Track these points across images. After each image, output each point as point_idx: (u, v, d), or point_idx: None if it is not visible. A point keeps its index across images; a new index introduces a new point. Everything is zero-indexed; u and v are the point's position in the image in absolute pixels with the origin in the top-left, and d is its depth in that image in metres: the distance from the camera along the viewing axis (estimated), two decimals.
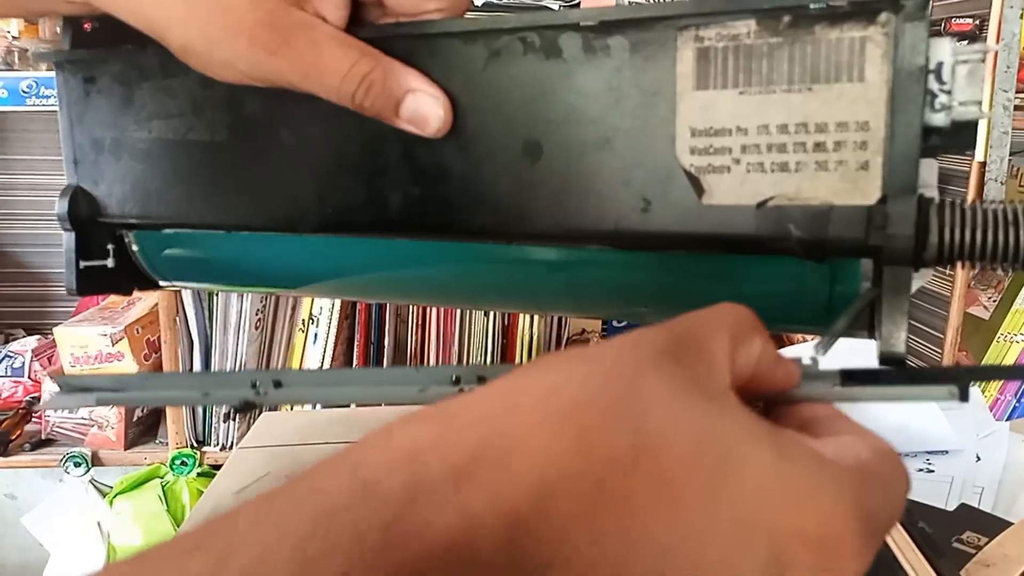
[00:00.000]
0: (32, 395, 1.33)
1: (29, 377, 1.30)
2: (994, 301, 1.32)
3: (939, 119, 0.24)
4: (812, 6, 0.24)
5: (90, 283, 0.40)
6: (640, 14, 0.26)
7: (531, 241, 0.33)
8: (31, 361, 1.32)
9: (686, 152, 0.27)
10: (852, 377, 0.24)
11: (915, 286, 0.26)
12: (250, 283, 0.44)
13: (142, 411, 1.31)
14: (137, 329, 1.24)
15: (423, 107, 0.30)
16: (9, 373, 1.32)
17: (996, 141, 1.19)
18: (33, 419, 1.31)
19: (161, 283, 0.43)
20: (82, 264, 0.39)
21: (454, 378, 0.29)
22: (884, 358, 0.25)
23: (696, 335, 0.21)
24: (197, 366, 1.18)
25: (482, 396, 0.18)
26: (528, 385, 0.18)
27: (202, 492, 1.18)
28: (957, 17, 1.21)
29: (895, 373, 0.24)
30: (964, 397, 0.23)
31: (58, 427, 1.27)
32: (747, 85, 0.25)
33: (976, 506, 0.60)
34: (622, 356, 0.19)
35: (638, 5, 0.26)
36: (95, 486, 1.26)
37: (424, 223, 0.32)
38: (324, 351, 1.24)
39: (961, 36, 1.21)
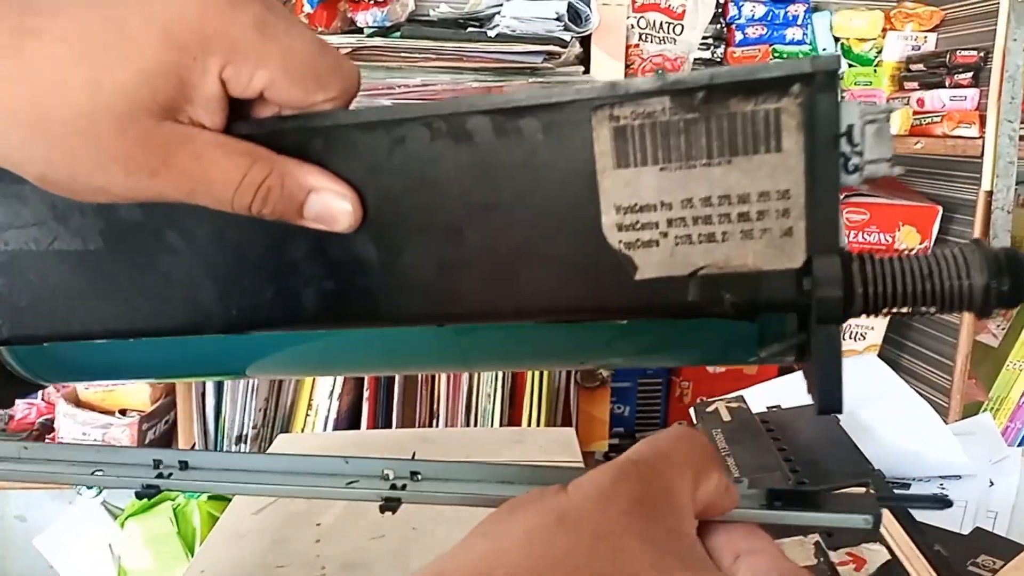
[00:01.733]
0: (45, 417, 1.34)
1: (42, 399, 1.31)
2: (1003, 329, 1.33)
3: (853, 179, 0.25)
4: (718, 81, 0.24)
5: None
6: (550, 98, 0.26)
7: (462, 322, 0.31)
8: None
9: (613, 229, 0.26)
10: (778, 498, 0.29)
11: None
12: (148, 375, 0.40)
13: (154, 433, 1.31)
14: None
15: (329, 206, 0.28)
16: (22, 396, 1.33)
17: (1003, 171, 1.21)
18: (45, 441, 1.32)
19: (44, 384, 0.39)
20: None
21: (384, 473, 0.32)
22: (822, 411, 0.26)
23: (664, 480, 0.24)
24: (210, 387, 1.18)
25: (462, 565, 0.21)
26: (510, 555, 0.21)
27: (213, 515, 1.19)
28: (962, 49, 1.23)
29: (817, 497, 0.29)
30: (876, 525, 0.27)
31: None
32: (667, 161, 0.25)
33: (990, 530, 0.60)
34: (604, 516, 0.22)
35: (548, 89, 0.26)
36: (106, 508, 1.27)
37: (343, 315, 0.30)
38: (333, 382, 1.24)
39: (966, 68, 1.23)
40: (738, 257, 0.26)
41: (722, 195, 0.25)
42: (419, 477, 0.33)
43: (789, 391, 0.83)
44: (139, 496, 0.34)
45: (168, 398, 1.28)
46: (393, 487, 0.32)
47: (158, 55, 0.25)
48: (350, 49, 1.08)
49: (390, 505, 0.33)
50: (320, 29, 1.11)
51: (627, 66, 1.16)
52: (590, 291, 0.27)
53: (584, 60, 1.14)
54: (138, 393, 1.25)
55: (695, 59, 1.24)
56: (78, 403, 1.25)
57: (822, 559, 0.51)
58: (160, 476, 0.33)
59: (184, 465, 0.33)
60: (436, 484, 0.33)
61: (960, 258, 0.25)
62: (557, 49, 1.10)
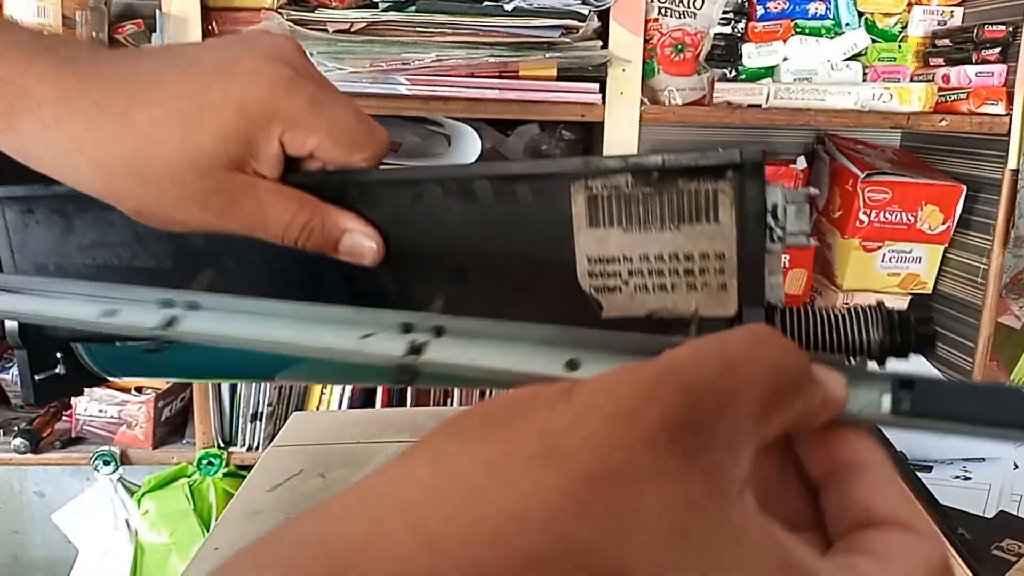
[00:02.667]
0: None
1: None
2: None
3: (776, 247, 0.30)
4: (667, 163, 0.30)
5: (45, 393, 0.42)
6: (540, 169, 0.32)
7: None
8: None
9: (585, 276, 0.32)
10: (911, 391, 0.22)
11: None
12: (197, 376, 0.45)
13: (170, 411, 1.32)
14: None
15: (359, 244, 0.35)
16: None
17: None
18: (63, 417, 1.33)
19: (109, 377, 0.45)
20: (36, 378, 0.41)
21: (405, 326, 0.28)
22: None
23: (721, 404, 0.17)
24: None
25: (374, 508, 0.15)
26: (448, 505, 0.14)
27: (228, 491, 1.19)
28: (989, 24, 1.19)
29: (974, 399, 0.22)
30: None
31: (88, 425, 1.29)
32: (628, 224, 0.31)
33: (1015, 513, 0.59)
34: (615, 444, 0.15)
35: (538, 162, 0.33)
36: (124, 484, 1.28)
37: None
38: None
39: (993, 43, 1.20)
40: (684, 304, 0.32)
41: (672, 253, 0.31)
42: (445, 333, 0.28)
43: None
44: (146, 350, 0.32)
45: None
46: (413, 347, 0.28)
47: (233, 123, 0.32)
48: (364, 23, 1.06)
49: (403, 374, 0.28)
50: (335, 4, 1.10)
51: (646, 40, 1.14)
52: (566, 323, 0.32)
53: (602, 34, 1.12)
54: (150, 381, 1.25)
55: (715, 33, 1.21)
56: None
57: None
58: (170, 323, 0.30)
59: (194, 306, 0.31)
60: (466, 346, 0.27)
61: (863, 316, 0.30)
62: (575, 23, 1.08)
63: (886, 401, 0.22)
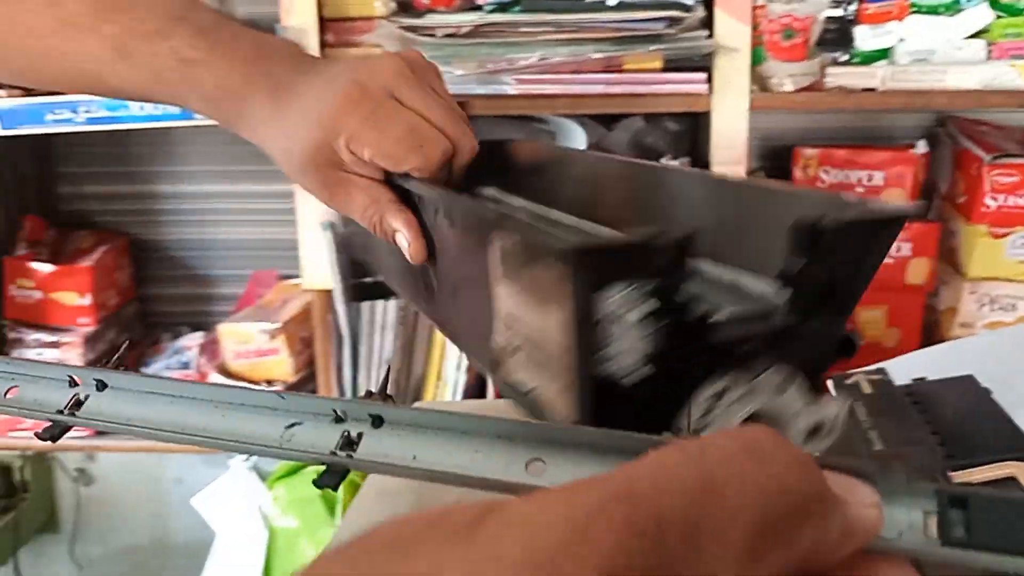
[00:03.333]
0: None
1: (196, 370, 1.41)
2: None
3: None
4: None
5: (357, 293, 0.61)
6: (472, 212, 0.39)
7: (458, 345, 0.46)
8: (198, 356, 1.43)
9: (500, 331, 0.32)
10: (964, 511, 0.17)
11: None
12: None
13: None
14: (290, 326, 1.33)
15: (400, 242, 0.45)
16: (178, 366, 1.44)
17: None
18: None
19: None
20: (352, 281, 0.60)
21: (337, 413, 0.24)
22: None
23: (687, 541, 0.13)
24: (347, 360, 1.24)
25: None
26: None
27: (354, 481, 1.25)
28: None
29: None
30: None
31: None
32: (521, 287, 0.30)
33: None
34: (566, 559, 0.12)
35: (474, 206, 0.41)
36: (256, 471, 1.36)
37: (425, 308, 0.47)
38: (460, 355, 1.28)
39: None
40: (545, 393, 0.29)
41: (534, 326, 0.29)
42: (383, 423, 0.24)
43: (934, 363, 0.79)
44: (41, 438, 0.28)
45: (308, 369, 1.35)
46: (346, 440, 0.23)
47: (316, 134, 0.44)
48: (471, 26, 1.09)
49: (331, 475, 0.23)
50: (442, 8, 1.13)
51: (754, 27, 1.13)
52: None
53: (709, 24, 1.11)
54: (282, 365, 1.32)
55: (826, 17, 1.18)
56: (228, 373, 1.34)
57: None
58: (76, 404, 0.28)
59: (102, 385, 0.28)
60: (408, 439, 0.23)
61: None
62: (680, 14, 1.08)
63: (932, 525, 0.17)
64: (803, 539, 0.15)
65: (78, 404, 0.28)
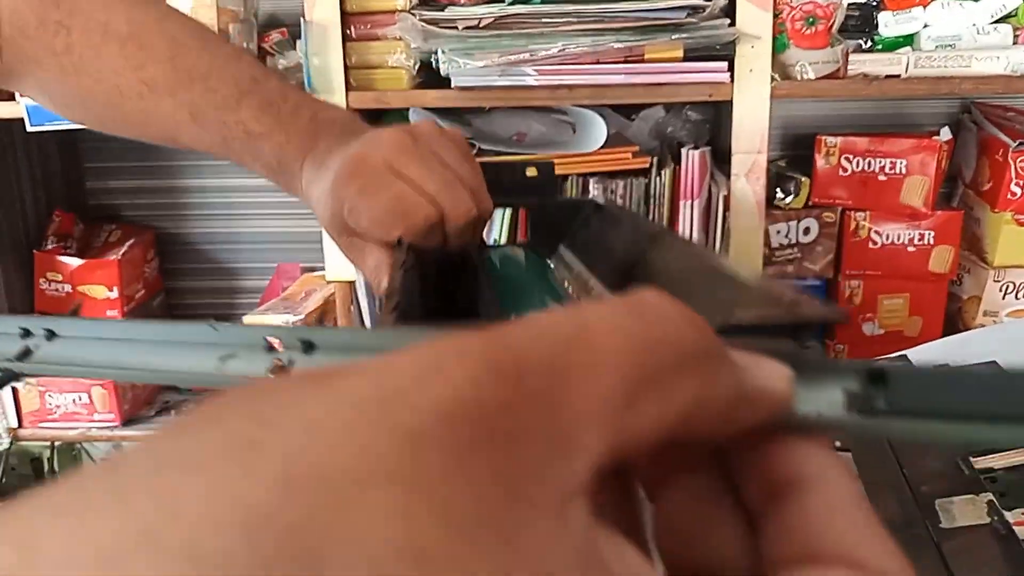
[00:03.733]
0: None
1: None
2: None
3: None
4: None
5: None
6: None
7: None
8: None
9: None
10: (884, 386, 0.16)
11: None
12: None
13: None
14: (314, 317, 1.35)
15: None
16: None
17: None
18: None
19: None
20: None
21: (269, 342, 0.23)
22: None
23: (550, 382, 0.12)
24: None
25: None
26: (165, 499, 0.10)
27: None
28: None
29: (968, 388, 0.16)
30: None
31: None
32: None
33: None
34: (345, 440, 0.11)
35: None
36: None
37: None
38: None
39: None
40: None
41: None
42: (314, 349, 0.23)
43: (957, 351, 0.78)
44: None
45: None
46: (278, 367, 0.24)
47: (331, 203, 0.48)
48: (492, 18, 1.10)
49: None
50: (463, 2, 1.14)
51: (775, 15, 1.12)
52: None
53: (730, 12, 1.11)
54: None
55: (849, 3, 1.17)
56: None
57: (996, 518, 0.49)
58: (25, 352, 0.28)
59: (51, 334, 0.28)
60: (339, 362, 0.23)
61: None
62: (701, 3, 1.07)
63: (853, 402, 0.16)
64: (683, 392, 0.14)
65: (27, 352, 0.29)
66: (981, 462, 0.57)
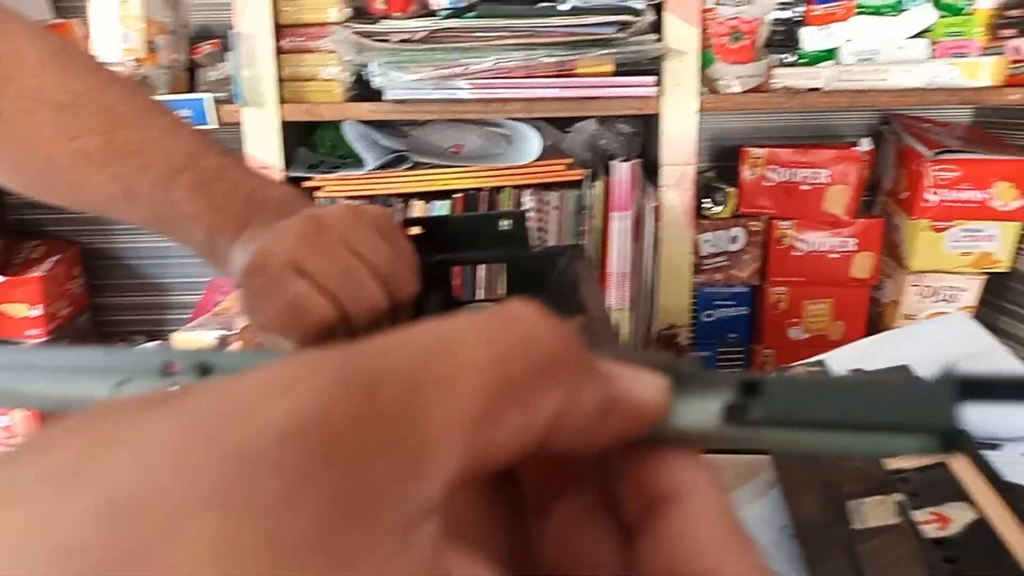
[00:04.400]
0: None
1: None
2: None
3: None
4: None
5: None
6: None
7: None
8: None
9: None
10: (759, 396, 0.16)
11: None
12: None
13: None
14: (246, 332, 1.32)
15: None
16: None
17: None
18: None
19: None
20: None
21: (165, 365, 0.22)
22: None
23: (404, 396, 0.12)
24: None
25: None
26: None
27: None
28: None
29: (840, 399, 0.16)
30: (952, 446, 0.16)
31: None
32: None
33: None
34: (174, 464, 0.11)
35: None
36: None
37: None
38: None
39: None
40: None
41: None
42: (212, 371, 0.23)
43: (871, 354, 0.81)
44: None
45: None
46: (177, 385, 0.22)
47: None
48: (425, 32, 1.10)
49: None
50: (397, 14, 1.14)
51: (702, 30, 1.15)
52: None
53: (657, 27, 1.14)
54: None
55: (773, 19, 1.21)
56: None
57: (905, 518, 0.51)
58: None
59: None
60: None
61: None
62: (630, 19, 1.10)
63: (724, 411, 0.16)
64: (548, 402, 0.14)
65: None
66: (893, 463, 0.59)
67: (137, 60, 1.11)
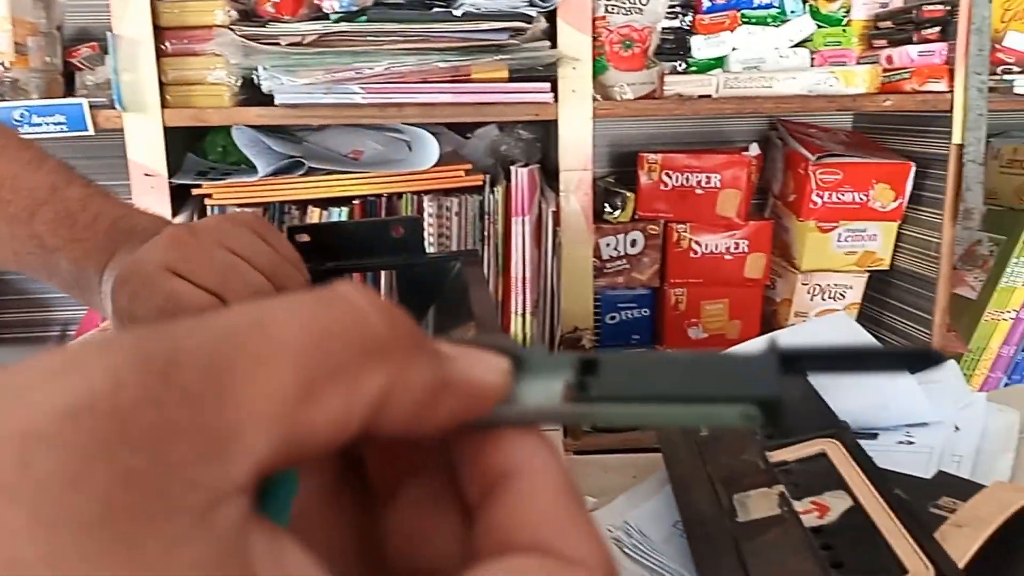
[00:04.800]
0: None
1: None
2: (980, 281, 1.34)
3: None
4: None
5: None
6: None
7: None
8: None
9: None
10: (595, 375, 0.17)
11: None
12: None
13: None
14: None
15: None
16: None
17: (973, 123, 1.21)
18: None
19: None
20: None
21: None
22: None
23: (205, 374, 0.11)
24: None
25: None
26: None
27: None
28: (928, 4, 1.23)
29: (671, 374, 0.17)
30: (772, 415, 0.16)
31: None
32: None
33: (953, 473, 0.62)
34: (35, 393, 0.10)
35: None
36: None
37: None
38: None
39: (933, 22, 1.23)
40: None
41: None
42: None
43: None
44: None
45: None
46: None
47: (115, 322, 0.47)
48: (316, 35, 1.08)
49: None
50: (287, 17, 1.11)
51: (594, 38, 1.17)
52: None
53: (551, 35, 1.15)
54: None
55: (663, 27, 1.24)
56: None
57: (786, 508, 0.53)
58: None
59: None
60: None
61: None
62: (523, 25, 1.10)
63: (565, 390, 0.17)
64: (371, 382, 0.13)
65: None
66: (777, 455, 0.61)
67: (3, 64, 1.05)
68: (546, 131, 1.30)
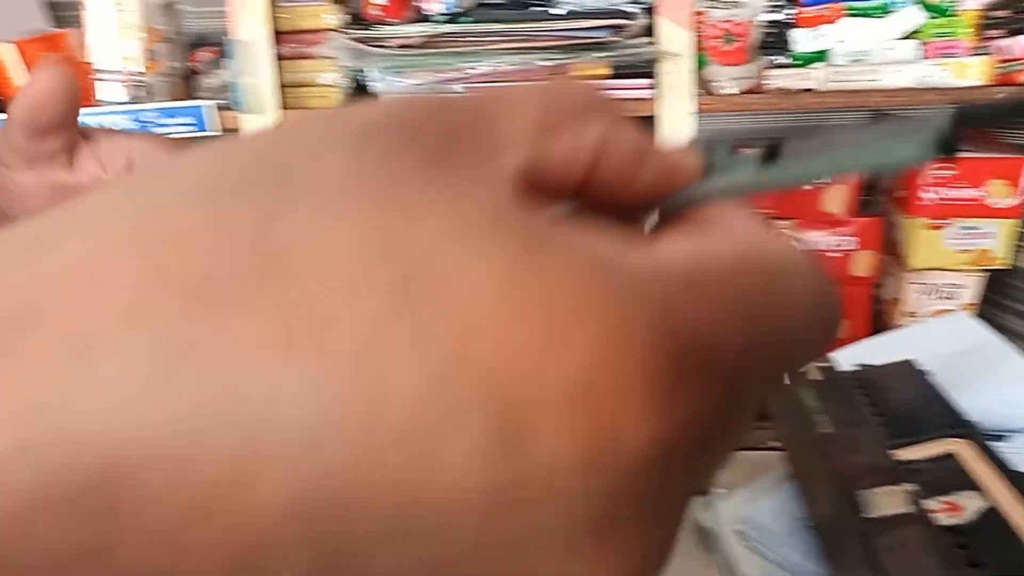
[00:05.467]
0: None
1: None
2: None
3: None
4: None
5: None
6: None
7: None
8: None
9: None
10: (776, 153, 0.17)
11: None
12: None
13: None
14: None
15: None
16: None
17: None
18: None
19: None
20: None
21: None
22: None
23: (470, 114, 0.14)
24: None
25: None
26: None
27: None
28: None
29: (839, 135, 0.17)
30: (949, 148, 0.15)
31: None
32: None
33: None
34: (311, 134, 0.13)
35: None
36: None
37: None
38: None
39: None
40: None
41: None
42: None
43: (878, 352, 0.82)
44: None
45: None
46: None
47: None
48: (422, 38, 1.11)
49: None
50: (393, 21, 1.15)
51: (696, 33, 1.16)
52: None
53: (651, 31, 1.15)
54: None
55: (764, 21, 1.22)
56: None
57: (917, 507, 0.52)
58: None
59: None
60: None
61: None
62: (623, 22, 1.10)
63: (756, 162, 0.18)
64: (593, 129, 0.15)
65: None
66: (902, 454, 0.60)
67: (141, 70, 1.12)
68: (645, 127, 1.30)
